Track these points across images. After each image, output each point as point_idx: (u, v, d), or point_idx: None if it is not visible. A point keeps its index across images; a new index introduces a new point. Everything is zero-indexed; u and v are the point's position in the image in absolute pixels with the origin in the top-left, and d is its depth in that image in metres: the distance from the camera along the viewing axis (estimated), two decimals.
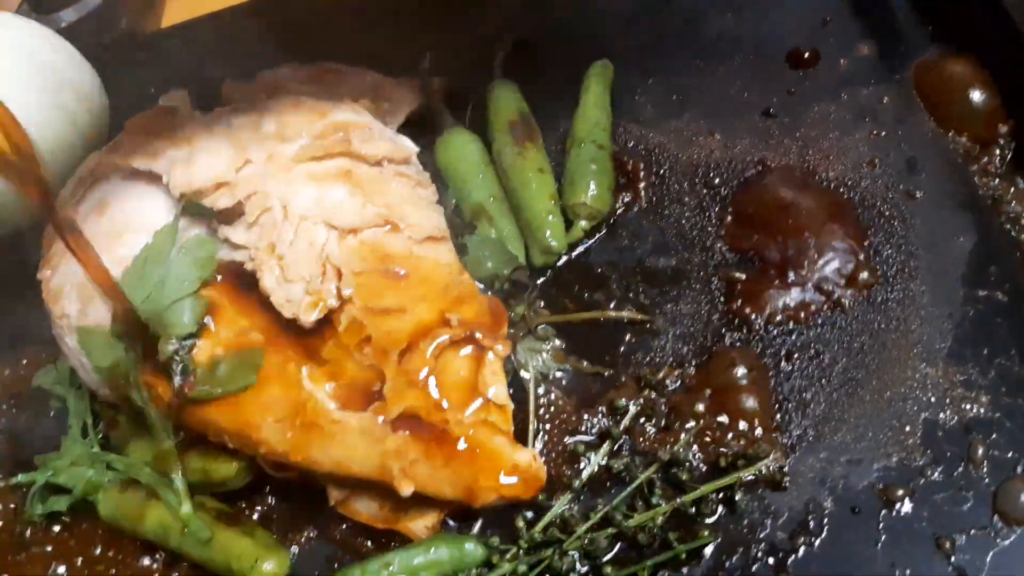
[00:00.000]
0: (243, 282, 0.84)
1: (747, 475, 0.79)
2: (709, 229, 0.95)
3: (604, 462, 0.82)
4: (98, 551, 0.87)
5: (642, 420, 0.84)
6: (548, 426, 0.86)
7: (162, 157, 0.89)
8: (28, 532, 0.90)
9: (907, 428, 0.81)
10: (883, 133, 0.98)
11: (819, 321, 0.88)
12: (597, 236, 0.96)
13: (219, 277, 0.84)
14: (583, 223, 0.94)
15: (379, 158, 0.90)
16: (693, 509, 0.79)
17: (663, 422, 0.84)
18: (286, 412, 0.79)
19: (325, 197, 0.86)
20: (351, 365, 0.81)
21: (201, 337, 0.81)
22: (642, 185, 0.98)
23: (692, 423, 0.83)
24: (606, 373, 0.88)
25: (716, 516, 0.79)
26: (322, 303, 0.81)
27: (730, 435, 0.82)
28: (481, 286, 0.91)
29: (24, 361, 1.01)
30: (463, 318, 0.82)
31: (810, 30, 1.07)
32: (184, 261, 0.82)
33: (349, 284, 0.82)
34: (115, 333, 0.81)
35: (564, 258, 0.95)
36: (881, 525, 0.76)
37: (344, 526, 0.85)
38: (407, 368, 0.79)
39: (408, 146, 0.94)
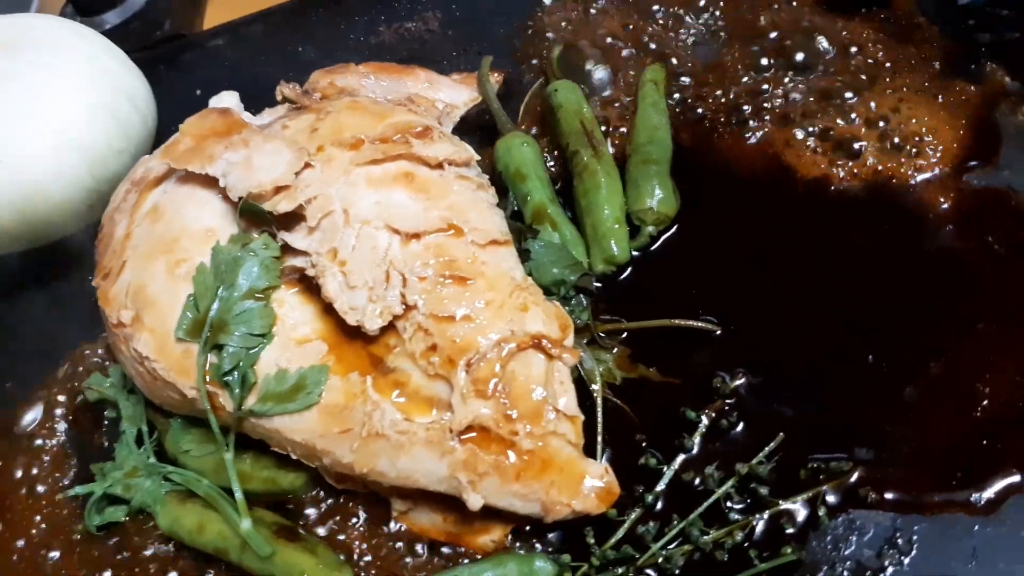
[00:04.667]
0: (306, 288, 0.83)
1: (829, 489, 0.76)
2: None
3: (675, 476, 0.80)
4: (156, 564, 0.86)
5: (715, 431, 0.81)
6: (615, 438, 0.83)
7: (219, 160, 0.87)
8: (85, 543, 0.89)
9: None
10: None
11: None
12: (661, 240, 0.93)
13: (282, 284, 0.82)
14: (650, 229, 0.91)
15: (440, 160, 0.87)
16: (773, 525, 0.76)
17: (737, 433, 0.81)
18: (351, 423, 0.77)
19: (386, 201, 0.84)
20: (417, 374, 0.78)
21: (266, 346, 0.79)
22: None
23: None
24: (676, 381, 0.85)
25: (797, 532, 0.75)
26: (387, 309, 0.78)
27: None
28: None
29: (80, 368, 1.00)
30: (530, 326, 0.80)
31: None
32: (252, 265, 0.80)
33: (414, 290, 0.79)
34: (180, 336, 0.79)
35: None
36: (975, 541, 0.73)
37: (406, 540, 0.83)
38: (475, 377, 0.77)
39: (468, 148, 0.91)
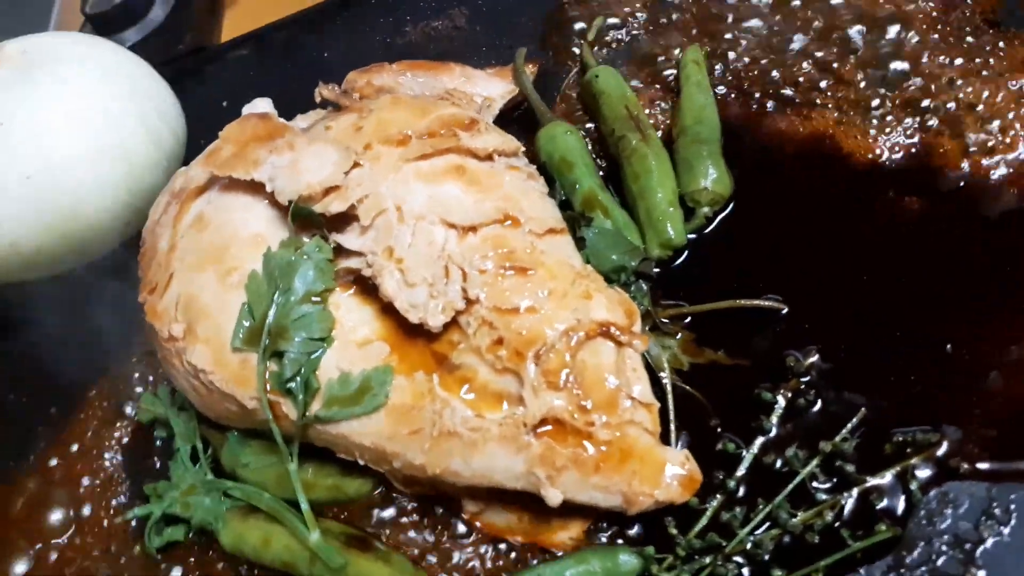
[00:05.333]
0: (362, 289, 0.81)
1: (918, 462, 0.74)
2: None
3: (755, 459, 0.77)
4: None
5: (793, 411, 0.79)
6: (689, 425, 0.81)
7: (264, 165, 0.85)
8: (143, 566, 0.87)
9: None
10: None
11: None
12: (717, 220, 0.91)
13: (337, 287, 0.80)
14: (705, 210, 0.89)
15: (489, 151, 0.85)
16: (863, 503, 0.73)
17: (816, 412, 0.79)
18: (421, 423, 0.75)
19: (439, 195, 0.82)
20: (484, 369, 0.76)
21: (327, 351, 0.77)
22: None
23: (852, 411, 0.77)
24: (746, 363, 0.83)
25: (889, 508, 0.73)
26: (449, 305, 0.76)
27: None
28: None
29: (121, 388, 0.98)
30: (595, 314, 0.78)
31: None
32: (306, 269, 0.78)
33: (475, 284, 0.77)
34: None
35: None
36: None
37: (480, 541, 0.80)
38: (545, 369, 0.74)
39: (513, 138, 0.90)
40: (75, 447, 0.97)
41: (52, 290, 1.08)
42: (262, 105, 0.99)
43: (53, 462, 0.95)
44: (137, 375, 1.01)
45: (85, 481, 0.95)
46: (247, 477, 0.84)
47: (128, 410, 0.98)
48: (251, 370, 0.78)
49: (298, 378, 0.76)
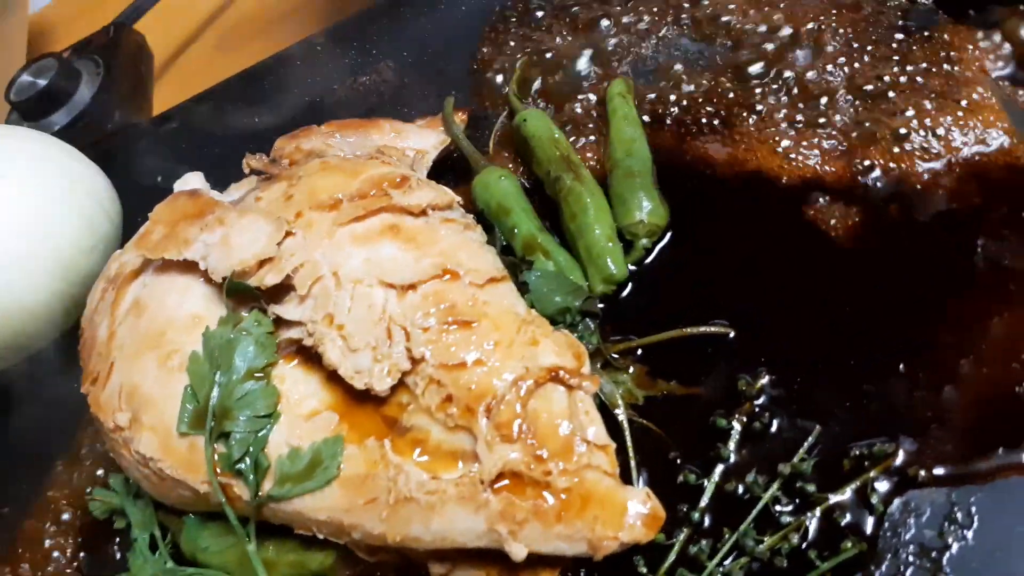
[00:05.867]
0: (305, 359, 0.79)
1: (877, 474, 0.74)
2: None
3: (717, 488, 0.77)
4: None
5: (750, 435, 0.79)
6: (648, 459, 0.81)
7: (195, 243, 0.84)
8: None
9: None
10: None
11: None
12: (656, 250, 0.92)
13: (280, 359, 0.79)
14: (644, 241, 0.90)
15: (423, 207, 0.85)
16: (827, 522, 0.73)
17: (772, 434, 0.79)
18: (376, 492, 0.73)
19: (375, 256, 0.81)
20: (436, 428, 0.75)
21: (274, 427, 0.76)
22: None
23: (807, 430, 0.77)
24: (699, 391, 0.83)
25: (854, 524, 0.73)
26: (394, 367, 0.75)
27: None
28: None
29: (76, 476, 0.96)
30: (543, 359, 0.77)
31: None
32: (247, 345, 0.77)
33: (418, 342, 0.76)
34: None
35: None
36: None
37: None
38: (497, 422, 0.74)
39: (448, 191, 0.89)
40: (29, 544, 0.94)
41: None
42: (193, 180, 0.98)
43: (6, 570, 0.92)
44: (89, 463, 0.99)
45: None
46: (208, 561, 0.82)
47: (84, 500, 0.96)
48: (199, 454, 0.77)
49: (247, 458, 0.75)
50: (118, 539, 0.91)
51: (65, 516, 0.94)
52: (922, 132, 0.91)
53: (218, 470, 0.76)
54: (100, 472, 0.96)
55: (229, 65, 1.30)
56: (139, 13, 1.41)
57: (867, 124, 0.93)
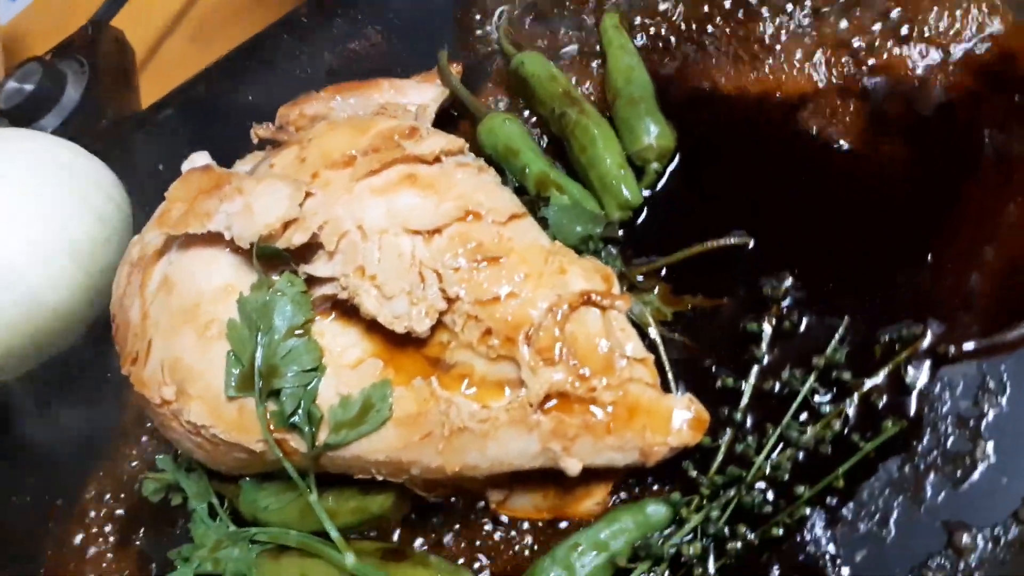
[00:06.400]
0: (342, 312, 0.81)
1: (908, 356, 0.76)
2: None
3: (755, 388, 0.79)
4: None
5: (781, 336, 0.81)
6: (684, 370, 0.83)
7: (217, 214, 0.85)
8: None
9: None
10: None
11: None
12: (668, 173, 0.93)
13: (317, 315, 0.80)
14: (654, 165, 0.91)
15: (436, 154, 0.86)
16: (866, 407, 0.76)
17: (802, 332, 0.81)
18: (430, 427, 0.76)
19: (396, 206, 0.83)
20: (479, 361, 0.77)
21: (321, 379, 0.77)
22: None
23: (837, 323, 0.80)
24: (725, 301, 0.85)
25: (891, 405, 0.75)
26: (431, 308, 0.77)
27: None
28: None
29: (124, 468, 0.97)
30: (574, 285, 0.79)
31: None
32: (283, 305, 0.78)
33: (452, 282, 0.78)
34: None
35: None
36: None
37: (510, 528, 0.81)
38: (538, 348, 0.76)
39: (456, 137, 0.91)
40: (79, 537, 0.96)
41: (28, 386, 1.07)
42: (200, 159, 0.99)
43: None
44: (135, 451, 1.01)
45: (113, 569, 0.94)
46: (269, 519, 0.84)
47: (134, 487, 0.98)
48: (250, 415, 0.78)
49: (300, 411, 0.76)
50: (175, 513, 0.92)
51: (120, 502, 0.96)
52: (917, 27, 0.93)
53: (272, 427, 0.77)
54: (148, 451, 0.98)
55: (210, 52, 1.30)
56: (115, 9, 1.41)
57: (861, 23, 0.94)
